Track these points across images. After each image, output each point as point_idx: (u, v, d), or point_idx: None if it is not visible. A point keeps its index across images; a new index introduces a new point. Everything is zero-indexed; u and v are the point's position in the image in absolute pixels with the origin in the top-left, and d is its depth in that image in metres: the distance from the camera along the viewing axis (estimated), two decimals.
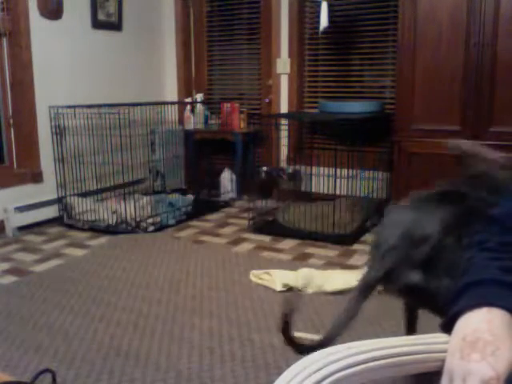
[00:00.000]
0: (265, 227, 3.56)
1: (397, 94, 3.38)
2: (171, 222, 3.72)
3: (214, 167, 4.68)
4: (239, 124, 4.42)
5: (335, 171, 3.32)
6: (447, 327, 0.74)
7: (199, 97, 4.63)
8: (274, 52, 4.33)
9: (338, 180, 3.37)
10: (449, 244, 1.15)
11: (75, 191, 3.75)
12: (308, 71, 4.32)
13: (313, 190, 4.07)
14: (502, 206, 0.87)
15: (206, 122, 4.58)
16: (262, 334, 2.08)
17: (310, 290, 2.50)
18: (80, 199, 3.67)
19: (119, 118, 3.49)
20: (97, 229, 3.55)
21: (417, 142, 3.30)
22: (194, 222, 3.79)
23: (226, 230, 3.60)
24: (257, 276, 2.66)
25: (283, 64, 4.30)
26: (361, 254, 3.08)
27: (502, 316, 0.69)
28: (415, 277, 1.17)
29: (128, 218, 3.55)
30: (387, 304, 2.37)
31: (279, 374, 0.63)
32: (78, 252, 3.14)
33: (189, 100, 4.71)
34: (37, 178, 3.71)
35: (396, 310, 2.29)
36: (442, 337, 0.73)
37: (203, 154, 4.70)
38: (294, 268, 2.71)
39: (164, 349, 1.97)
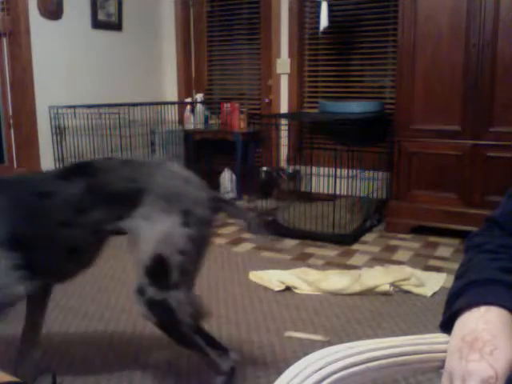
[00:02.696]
0: (265, 227, 3.55)
1: (397, 94, 3.38)
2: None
3: (214, 167, 4.68)
4: (239, 124, 4.41)
5: (335, 171, 3.32)
6: (447, 327, 0.74)
7: (199, 97, 4.62)
8: (274, 52, 4.33)
9: (338, 180, 3.37)
10: None
11: None
12: (308, 71, 4.32)
13: (313, 190, 4.07)
14: (502, 206, 0.87)
15: (206, 121, 4.58)
16: (261, 334, 2.08)
17: (306, 289, 2.51)
18: None
19: (119, 118, 3.49)
20: None
21: (417, 142, 3.30)
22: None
23: (226, 230, 3.60)
24: (256, 276, 2.66)
25: (283, 64, 4.30)
26: (361, 253, 3.08)
27: (501, 315, 0.69)
28: None
29: None
30: (387, 304, 2.37)
31: (278, 373, 0.63)
32: None
33: (189, 100, 4.71)
34: None
35: (396, 310, 2.29)
36: (442, 337, 0.74)
37: (203, 154, 4.70)
38: (293, 268, 2.71)
39: (163, 349, 1.97)
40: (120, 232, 1.42)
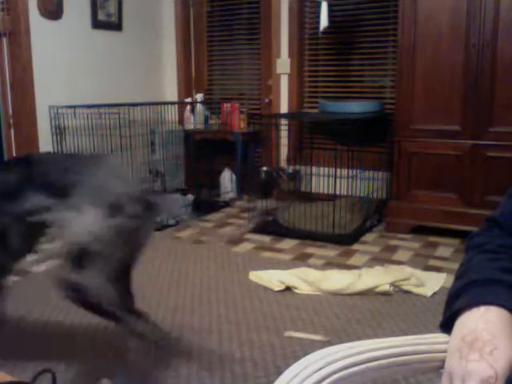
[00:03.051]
0: (265, 227, 3.56)
1: (397, 94, 3.38)
2: (171, 222, 3.72)
3: (214, 167, 4.68)
4: (239, 124, 4.41)
5: (335, 171, 3.32)
6: (447, 327, 0.74)
7: (199, 97, 4.63)
8: (274, 52, 4.33)
9: (338, 180, 3.37)
10: None
11: None
12: (308, 71, 4.32)
13: (313, 190, 4.07)
14: (502, 206, 0.87)
15: (206, 121, 4.58)
16: (261, 334, 2.08)
17: (306, 289, 2.51)
18: None
19: (119, 118, 3.49)
20: None
21: (417, 142, 3.30)
22: (194, 222, 3.79)
23: (226, 230, 3.60)
24: (256, 276, 2.66)
25: (283, 64, 4.30)
26: (361, 253, 3.08)
27: (501, 315, 0.69)
28: None
29: None
30: (387, 304, 2.37)
31: (278, 373, 0.63)
32: None
33: (189, 100, 4.71)
34: None
35: (396, 310, 2.30)
36: (442, 337, 0.74)
37: (203, 154, 4.70)
38: (293, 268, 2.71)
39: (163, 349, 1.97)
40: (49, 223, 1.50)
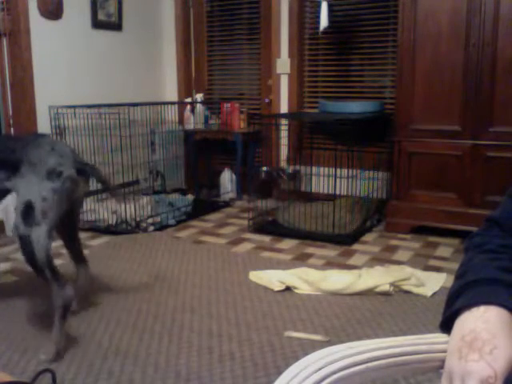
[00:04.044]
0: (265, 227, 3.56)
1: (397, 94, 3.38)
2: (171, 222, 3.72)
3: (214, 167, 4.68)
4: (239, 124, 4.42)
5: (335, 171, 3.32)
6: (446, 327, 0.74)
7: (199, 97, 4.62)
8: (273, 52, 4.33)
9: (338, 180, 3.37)
10: None
11: None
12: (308, 71, 4.32)
13: (313, 190, 4.07)
14: (502, 206, 0.87)
15: (206, 121, 4.58)
16: (261, 334, 2.08)
17: (306, 289, 2.51)
18: None
19: (119, 118, 3.49)
20: (97, 229, 3.55)
21: (417, 142, 3.30)
22: (194, 222, 3.79)
23: (226, 230, 3.60)
24: (256, 276, 2.66)
25: (283, 64, 4.30)
26: (361, 253, 3.08)
27: (500, 314, 0.69)
28: None
29: (128, 218, 3.55)
30: (387, 304, 2.37)
31: (278, 373, 0.63)
32: None
33: (189, 100, 4.71)
34: None
35: (396, 310, 2.30)
36: (442, 337, 0.74)
37: (203, 154, 4.70)
38: (293, 268, 2.71)
39: (163, 348, 1.97)
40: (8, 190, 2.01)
